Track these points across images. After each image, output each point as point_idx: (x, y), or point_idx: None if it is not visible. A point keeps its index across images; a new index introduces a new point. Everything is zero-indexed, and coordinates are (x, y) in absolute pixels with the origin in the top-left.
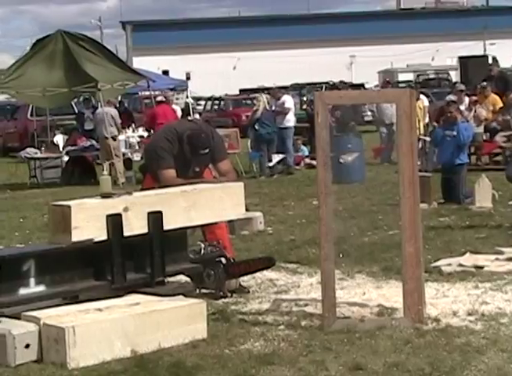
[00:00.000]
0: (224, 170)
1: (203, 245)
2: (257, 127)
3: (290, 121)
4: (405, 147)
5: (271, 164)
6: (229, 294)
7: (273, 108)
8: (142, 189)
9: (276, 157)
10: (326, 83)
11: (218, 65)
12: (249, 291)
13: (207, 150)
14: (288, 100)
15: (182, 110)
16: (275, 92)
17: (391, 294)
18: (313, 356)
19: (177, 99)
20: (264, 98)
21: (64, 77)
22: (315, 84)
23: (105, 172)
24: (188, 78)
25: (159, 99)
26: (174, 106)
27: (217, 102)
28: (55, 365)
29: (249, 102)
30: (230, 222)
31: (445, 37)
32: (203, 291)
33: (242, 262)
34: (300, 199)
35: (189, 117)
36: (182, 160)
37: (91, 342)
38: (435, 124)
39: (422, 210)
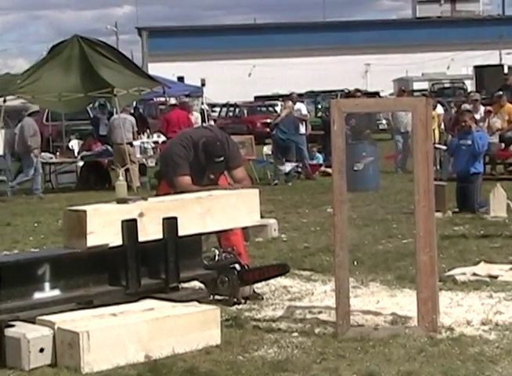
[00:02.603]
0: (239, 177)
1: (217, 251)
2: (274, 132)
3: (303, 128)
4: (421, 156)
5: (286, 171)
6: (243, 301)
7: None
8: (157, 195)
9: (288, 166)
10: (342, 91)
11: (234, 72)
12: (263, 298)
13: (222, 158)
14: (303, 108)
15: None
16: (292, 99)
17: (404, 302)
18: (326, 363)
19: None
20: (290, 104)
21: (80, 82)
22: (330, 91)
23: (121, 178)
24: (203, 85)
25: (172, 102)
26: (194, 113)
27: (232, 108)
28: (70, 369)
29: (264, 109)
30: (244, 228)
31: (461, 46)
32: (217, 297)
33: (256, 269)
34: (314, 206)
35: (205, 124)
36: (197, 168)
37: (105, 347)
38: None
39: (436, 219)
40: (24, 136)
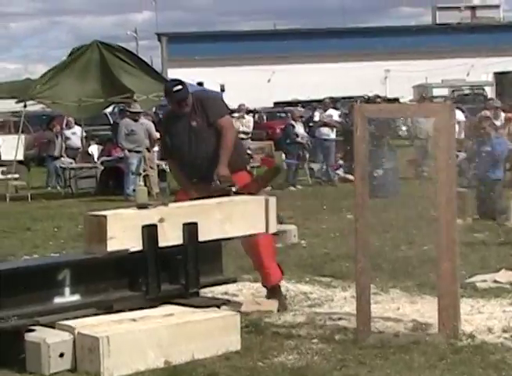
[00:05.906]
0: (223, 126)
1: None
2: None
3: (333, 133)
4: (443, 162)
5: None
6: None
7: (316, 119)
8: (176, 201)
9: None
10: (361, 97)
11: (253, 77)
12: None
13: (179, 87)
14: (335, 114)
15: None
16: (326, 104)
17: (425, 309)
18: (347, 370)
19: None
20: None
21: (100, 87)
22: (349, 98)
23: (140, 183)
24: (222, 90)
25: None
26: (246, 117)
27: (251, 114)
28: (89, 374)
29: (283, 115)
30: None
31: (481, 52)
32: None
33: None
34: (334, 212)
35: None
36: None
37: (125, 352)
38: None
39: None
40: (118, 137)
